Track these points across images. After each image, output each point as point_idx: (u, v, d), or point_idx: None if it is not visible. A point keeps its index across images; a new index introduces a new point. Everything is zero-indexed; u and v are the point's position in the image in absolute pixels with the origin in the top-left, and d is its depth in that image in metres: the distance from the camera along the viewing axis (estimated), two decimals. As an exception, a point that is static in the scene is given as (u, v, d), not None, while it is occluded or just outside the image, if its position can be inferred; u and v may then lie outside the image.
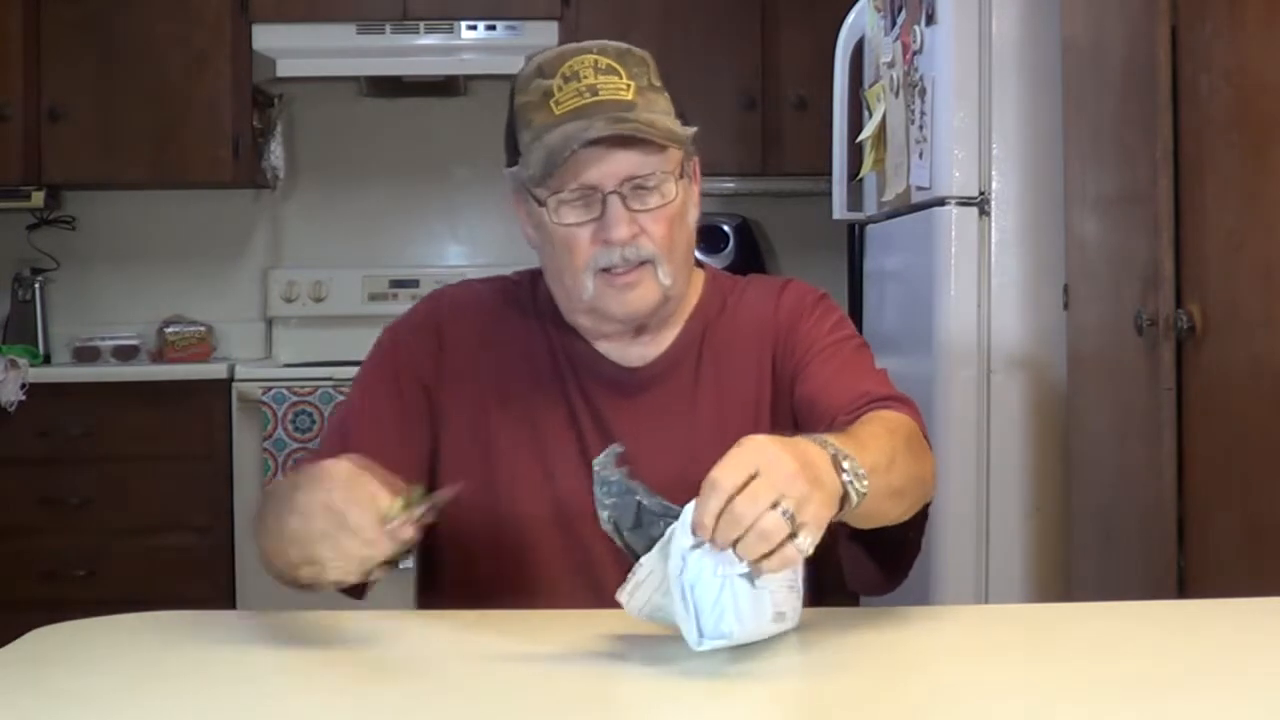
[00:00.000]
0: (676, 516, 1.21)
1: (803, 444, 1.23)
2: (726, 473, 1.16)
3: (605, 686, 1.20)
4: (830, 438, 1.28)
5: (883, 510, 1.36)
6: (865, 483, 1.26)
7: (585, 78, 1.51)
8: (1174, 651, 1.32)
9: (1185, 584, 2.22)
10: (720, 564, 1.17)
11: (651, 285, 1.55)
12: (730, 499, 1.15)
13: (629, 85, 1.52)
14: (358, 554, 1.25)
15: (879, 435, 1.39)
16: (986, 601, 2.80)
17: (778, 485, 1.16)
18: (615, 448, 1.28)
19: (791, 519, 1.15)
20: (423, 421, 1.61)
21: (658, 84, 1.55)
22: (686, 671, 1.20)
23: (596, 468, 1.26)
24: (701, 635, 1.19)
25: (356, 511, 1.25)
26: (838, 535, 1.41)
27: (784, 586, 1.25)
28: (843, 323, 1.67)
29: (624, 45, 1.56)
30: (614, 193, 1.51)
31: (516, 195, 1.59)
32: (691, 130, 1.56)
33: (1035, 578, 2.87)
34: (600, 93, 1.50)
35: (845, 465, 1.25)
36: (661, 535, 1.22)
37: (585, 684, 1.20)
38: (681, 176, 1.56)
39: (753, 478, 1.16)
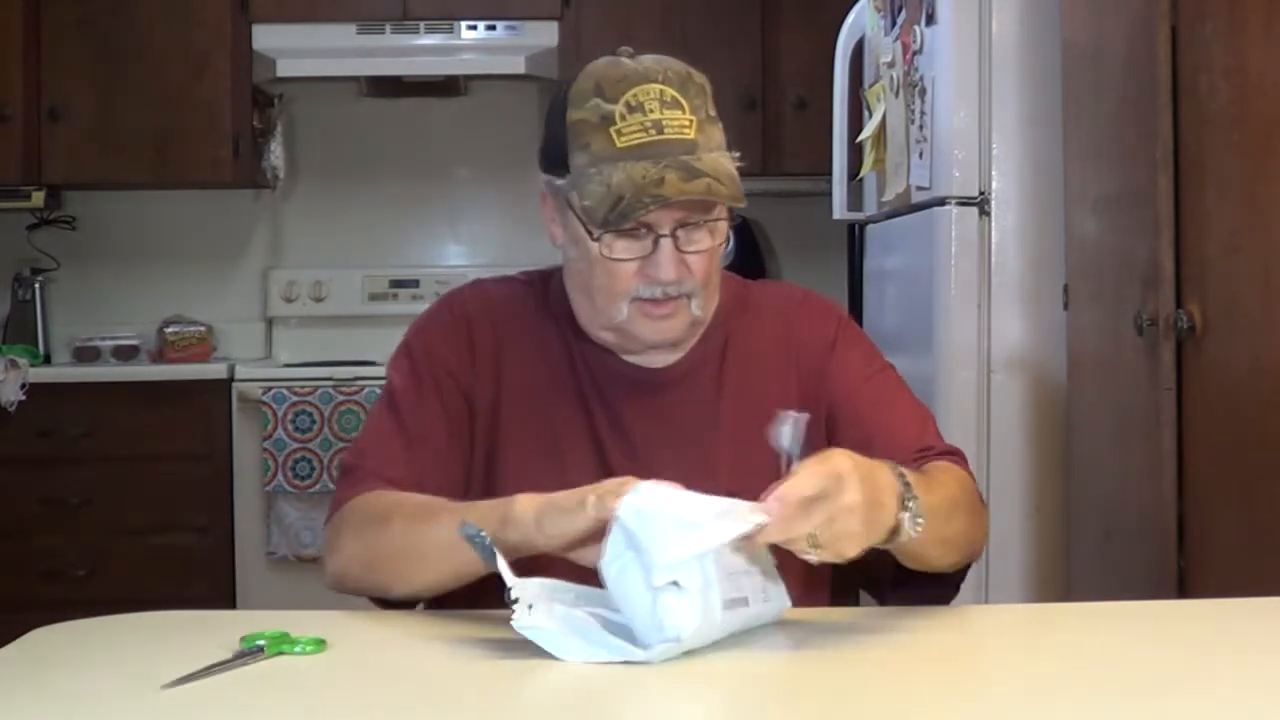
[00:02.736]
0: None
1: (881, 474, 1.30)
2: (810, 480, 1.23)
3: (604, 685, 1.20)
4: (907, 473, 1.34)
5: (929, 555, 1.41)
6: (920, 526, 1.32)
7: (650, 111, 1.48)
8: (1174, 651, 1.32)
9: (1185, 584, 2.22)
10: (647, 574, 1.20)
11: (684, 315, 1.56)
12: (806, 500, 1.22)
13: (691, 121, 1.50)
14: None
15: (948, 485, 1.46)
16: (986, 601, 2.80)
17: (833, 513, 1.23)
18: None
19: (814, 540, 1.23)
20: (464, 423, 1.61)
21: (713, 113, 1.54)
22: (685, 670, 1.20)
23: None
24: (647, 645, 1.21)
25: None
26: (882, 567, 1.45)
27: (736, 573, 1.27)
28: (872, 350, 1.69)
29: (683, 69, 1.53)
30: (668, 235, 1.51)
31: (552, 200, 1.58)
32: (738, 155, 1.55)
33: (1035, 578, 2.87)
34: (665, 130, 1.48)
35: (910, 505, 1.32)
36: None
37: (582, 681, 1.20)
38: (731, 223, 1.57)
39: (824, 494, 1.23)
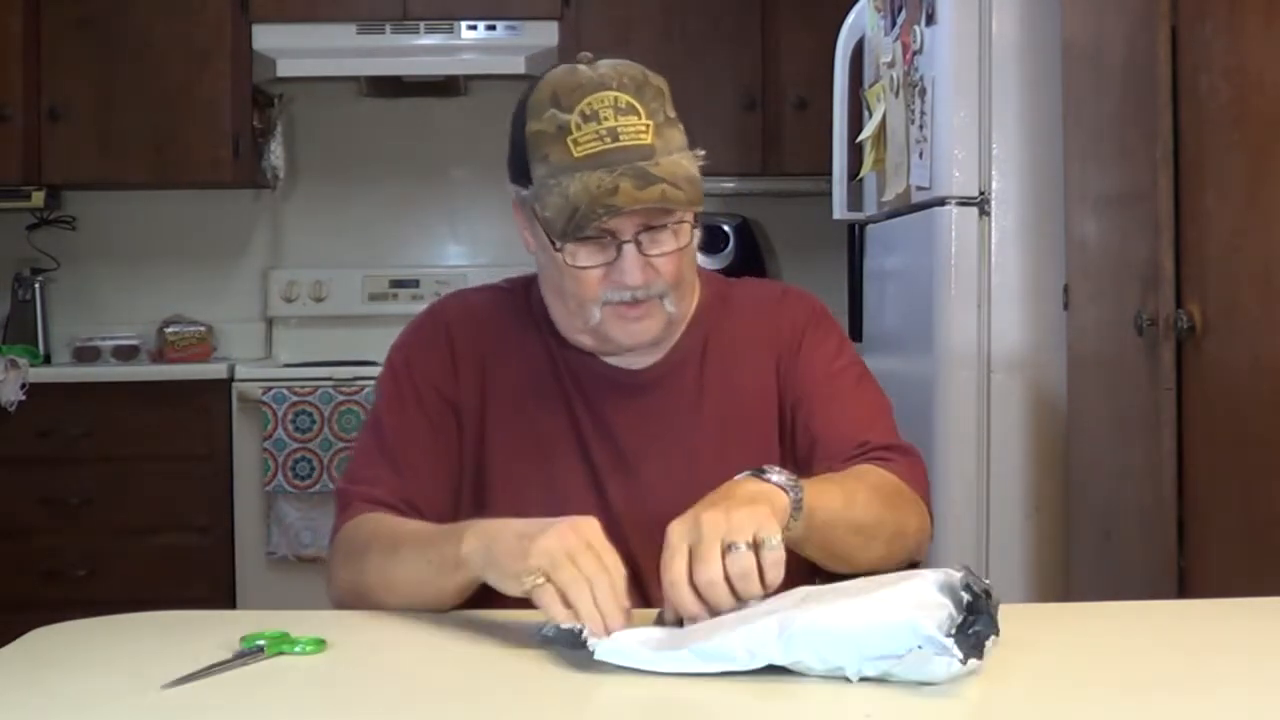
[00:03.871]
0: None
1: (723, 488, 1.34)
2: (671, 565, 1.26)
3: (603, 684, 1.20)
4: (766, 467, 1.39)
5: (846, 544, 1.45)
6: (799, 486, 1.36)
7: (605, 119, 1.49)
8: (1174, 651, 1.32)
9: (1185, 584, 2.22)
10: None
11: (659, 315, 1.57)
12: (691, 581, 1.25)
13: (648, 126, 1.50)
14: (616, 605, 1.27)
15: (859, 477, 1.50)
16: (986, 601, 2.80)
17: (716, 535, 1.25)
18: None
19: (750, 544, 1.25)
20: (451, 434, 1.62)
21: (673, 115, 1.54)
22: (678, 672, 1.20)
23: None
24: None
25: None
26: None
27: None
28: (843, 346, 1.69)
29: (640, 73, 1.53)
30: (630, 241, 1.51)
31: (521, 210, 1.59)
32: (701, 154, 1.55)
33: (1035, 578, 2.87)
34: (621, 137, 1.48)
35: (770, 475, 1.35)
36: None
37: (581, 682, 1.20)
38: (696, 222, 1.56)
39: (692, 549, 1.26)
